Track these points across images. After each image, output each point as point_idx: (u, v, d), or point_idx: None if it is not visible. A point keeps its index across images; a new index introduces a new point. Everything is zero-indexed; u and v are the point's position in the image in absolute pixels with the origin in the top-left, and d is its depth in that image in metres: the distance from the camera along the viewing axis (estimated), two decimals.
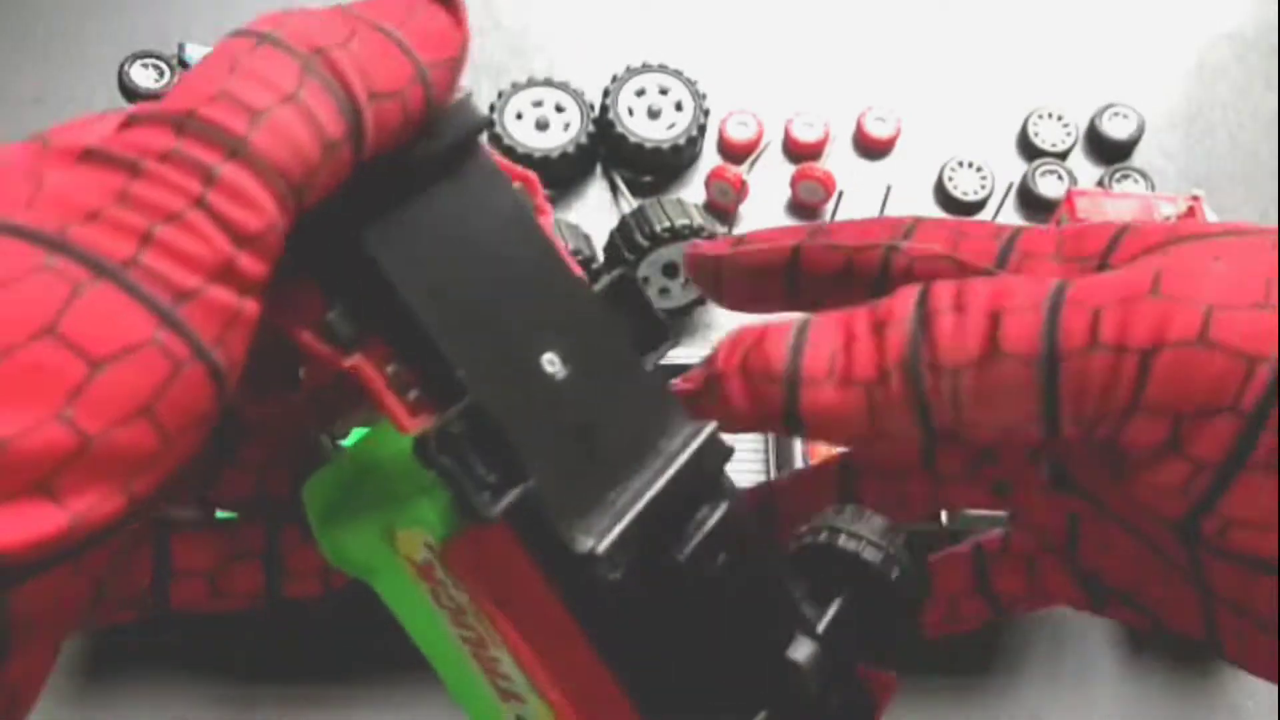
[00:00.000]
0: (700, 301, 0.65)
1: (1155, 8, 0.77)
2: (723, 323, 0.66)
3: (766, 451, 0.55)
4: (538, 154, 0.67)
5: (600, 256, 0.63)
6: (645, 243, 0.60)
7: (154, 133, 0.17)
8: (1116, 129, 0.72)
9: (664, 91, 0.69)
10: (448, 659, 0.22)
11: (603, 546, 0.18)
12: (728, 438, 0.21)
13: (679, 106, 0.69)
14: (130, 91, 0.61)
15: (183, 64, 0.63)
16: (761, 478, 0.54)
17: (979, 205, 0.70)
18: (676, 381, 0.22)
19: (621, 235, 0.63)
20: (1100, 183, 0.70)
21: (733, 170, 0.68)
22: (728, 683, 0.21)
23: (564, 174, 0.69)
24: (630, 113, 0.68)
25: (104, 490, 0.16)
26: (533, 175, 0.22)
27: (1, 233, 0.16)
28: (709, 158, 0.71)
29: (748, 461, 0.55)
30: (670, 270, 0.62)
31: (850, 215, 0.67)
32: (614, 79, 0.69)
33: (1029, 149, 0.72)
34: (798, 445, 0.53)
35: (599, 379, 0.20)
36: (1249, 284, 0.18)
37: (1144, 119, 0.72)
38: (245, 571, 0.24)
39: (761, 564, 0.21)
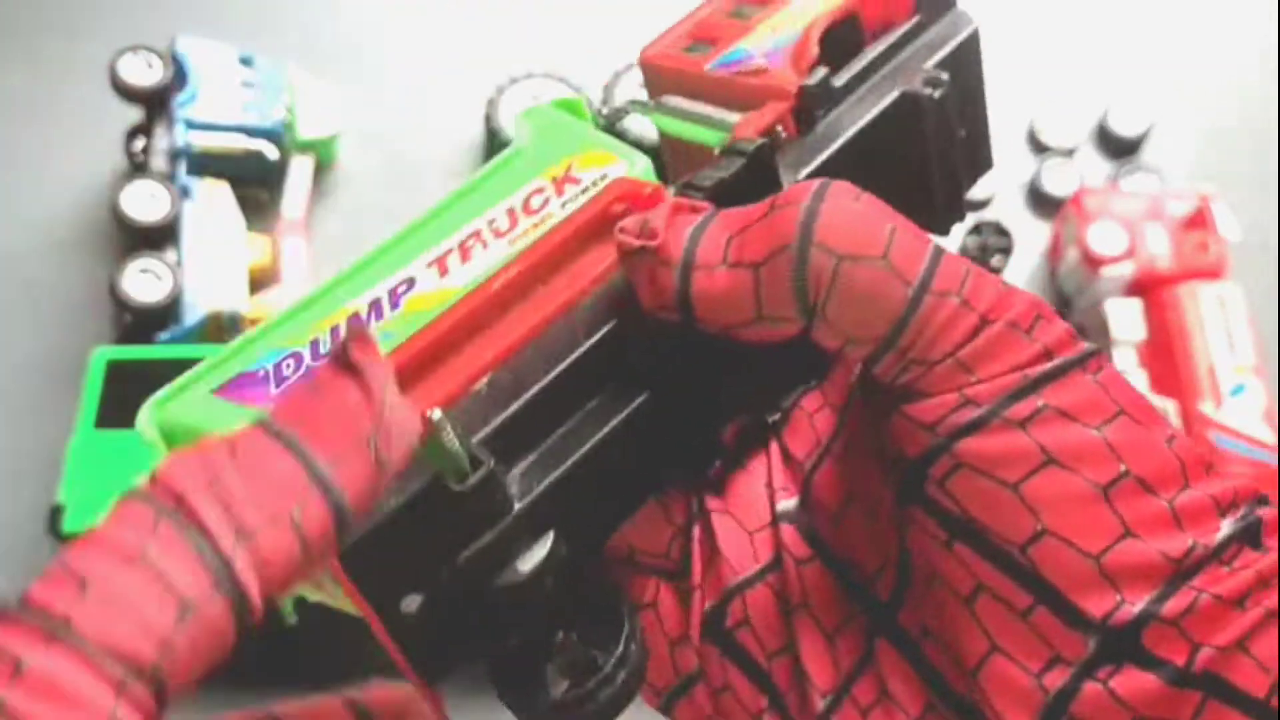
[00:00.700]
0: None
1: (1164, 3, 0.76)
2: None
3: None
4: None
5: None
6: None
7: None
8: (1125, 125, 0.71)
9: None
10: None
11: None
12: None
13: None
14: (121, 86, 0.59)
15: (174, 58, 0.61)
16: None
17: (985, 202, 0.69)
18: (619, 232, 0.24)
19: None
20: (1109, 179, 0.69)
21: None
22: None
23: None
24: None
25: None
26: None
27: None
28: None
29: None
30: None
31: None
32: (614, 73, 0.68)
33: (1037, 145, 0.71)
34: None
35: None
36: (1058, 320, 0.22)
37: (1153, 115, 0.71)
38: None
39: None
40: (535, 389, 0.23)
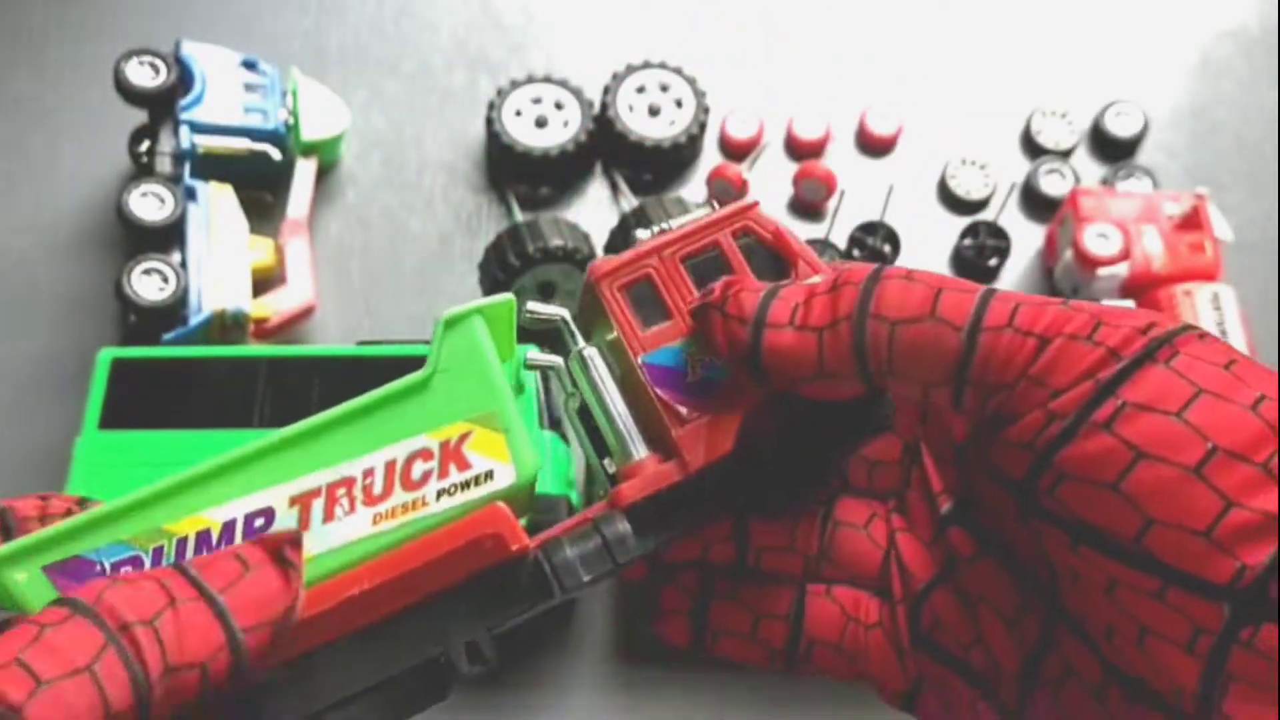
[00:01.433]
0: None
1: (1159, 5, 0.77)
2: None
3: None
4: (537, 151, 0.66)
5: (600, 255, 0.63)
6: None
7: None
8: (1120, 127, 0.71)
9: (664, 89, 0.68)
10: None
11: None
12: None
13: (679, 104, 0.68)
14: (126, 89, 0.60)
15: (179, 61, 0.62)
16: None
17: (982, 204, 0.70)
18: (695, 300, 0.27)
19: (621, 234, 0.62)
20: (1104, 181, 0.70)
21: (734, 168, 0.68)
22: None
23: (563, 172, 0.68)
24: (630, 110, 0.68)
25: None
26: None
27: None
28: (710, 156, 0.70)
29: None
30: None
31: (852, 214, 0.67)
32: (614, 76, 0.68)
33: (1032, 147, 0.71)
34: None
35: None
36: (1136, 315, 0.24)
37: (1148, 117, 0.72)
38: None
39: None
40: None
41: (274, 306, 0.62)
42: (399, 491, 0.26)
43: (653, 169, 0.69)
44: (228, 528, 0.25)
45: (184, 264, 0.58)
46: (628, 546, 0.27)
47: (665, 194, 0.67)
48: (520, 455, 0.27)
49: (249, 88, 0.64)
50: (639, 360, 0.27)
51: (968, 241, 0.68)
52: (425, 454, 0.26)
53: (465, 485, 0.26)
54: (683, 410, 0.27)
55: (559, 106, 0.68)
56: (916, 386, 0.25)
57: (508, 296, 0.28)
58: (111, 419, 0.53)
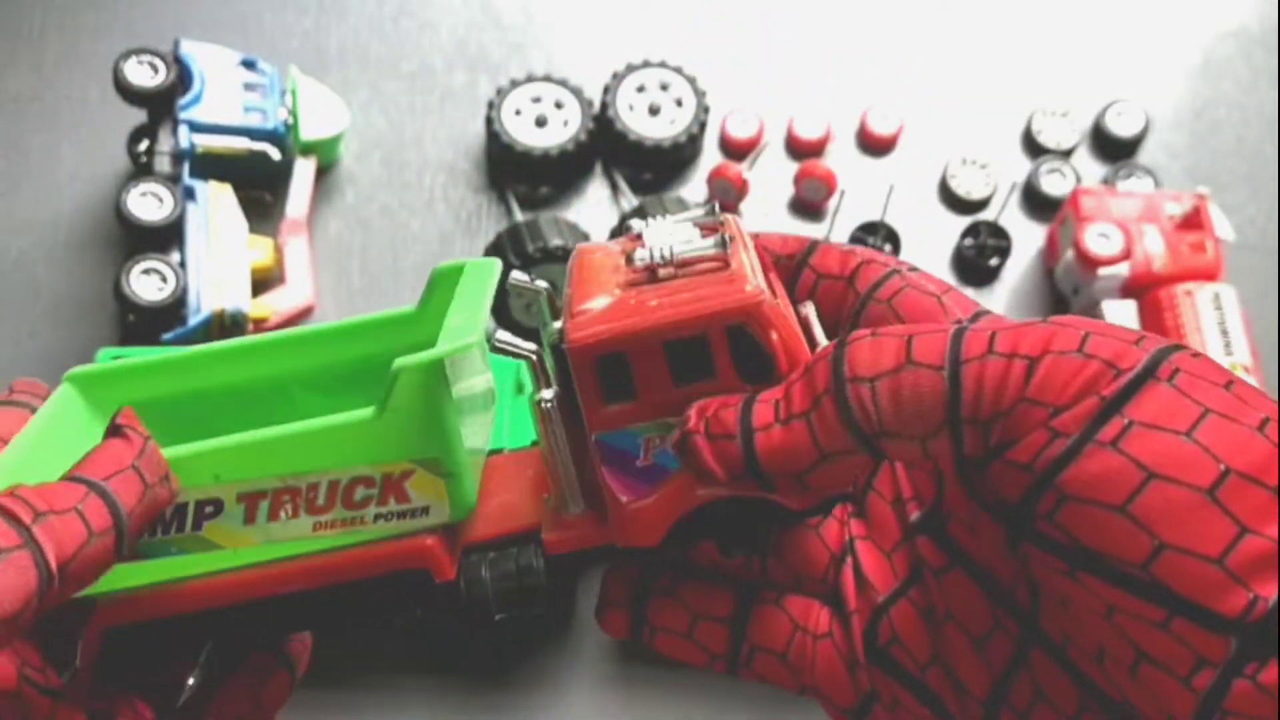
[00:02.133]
0: None
1: (1160, 5, 0.77)
2: None
3: None
4: (536, 151, 0.66)
5: None
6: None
7: None
8: (1121, 127, 0.71)
9: (665, 88, 0.68)
10: None
11: None
12: None
13: (680, 103, 0.68)
14: (125, 88, 0.60)
15: (178, 60, 0.62)
16: None
17: (982, 204, 0.69)
18: (667, 444, 0.26)
19: (621, 234, 0.62)
20: (1105, 181, 0.69)
21: (734, 168, 0.67)
22: None
23: (563, 172, 0.68)
24: (630, 109, 0.68)
25: None
26: None
27: None
28: (710, 155, 0.70)
29: None
30: None
31: (853, 213, 0.67)
32: (614, 75, 0.68)
33: (1033, 147, 0.71)
34: None
35: None
36: (1118, 328, 0.23)
37: (1149, 116, 0.71)
38: None
39: None
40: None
41: (273, 306, 0.62)
42: (339, 508, 0.27)
43: (653, 168, 0.69)
44: (179, 510, 0.27)
45: (183, 264, 0.58)
46: (535, 574, 0.29)
47: (665, 193, 0.67)
48: (457, 499, 0.28)
49: (248, 87, 0.64)
50: (593, 437, 0.27)
51: (968, 241, 0.67)
52: (368, 481, 0.27)
53: (401, 515, 0.28)
54: (622, 497, 0.27)
55: (559, 106, 0.68)
56: (914, 443, 0.24)
57: (493, 260, 0.30)
58: None
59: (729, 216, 0.29)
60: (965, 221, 0.68)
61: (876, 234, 0.66)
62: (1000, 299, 0.68)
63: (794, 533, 0.30)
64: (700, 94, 0.68)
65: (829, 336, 0.27)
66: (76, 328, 0.63)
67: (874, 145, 0.71)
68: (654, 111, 0.68)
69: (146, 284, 0.57)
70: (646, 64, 0.68)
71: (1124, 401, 0.21)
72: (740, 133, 0.70)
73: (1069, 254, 0.64)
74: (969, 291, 0.63)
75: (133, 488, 0.25)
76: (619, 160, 0.69)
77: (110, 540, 0.24)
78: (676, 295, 0.26)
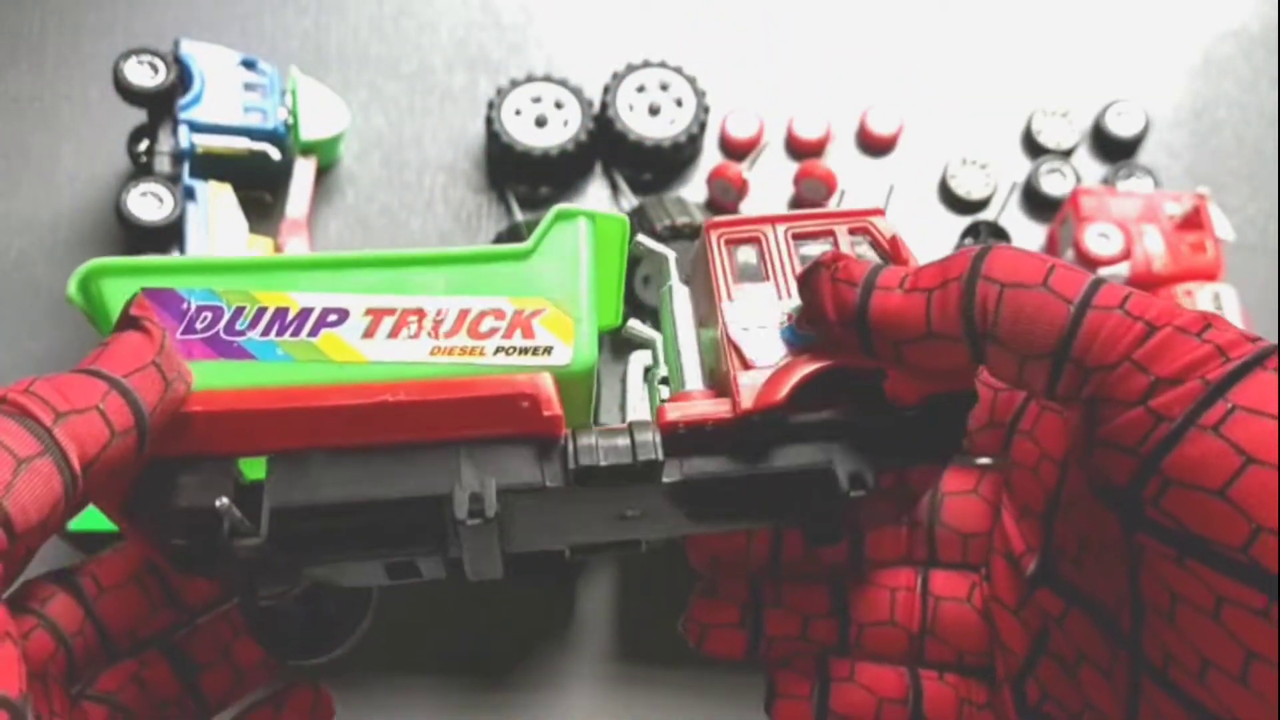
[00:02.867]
0: None
1: (1160, 5, 0.77)
2: None
3: None
4: (536, 151, 0.66)
5: None
6: None
7: None
8: (1121, 126, 0.71)
9: (664, 88, 0.68)
10: None
11: None
12: None
13: (679, 103, 0.68)
14: (125, 88, 0.60)
15: (178, 60, 0.62)
16: None
17: (982, 204, 0.69)
18: (813, 259, 0.28)
19: None
20: (1105, 181, 0.69)
21: (734, 168, 0.67)
22: None
23: (563, 171, 0.68)
24: (630, 109, 0.68)
25: None
26: None
27: None
28: (710, 155, 0.70)
29: None
30: None
31: None
32: (614, 75, 0.68)
33: (1033, 147, 0.71)
34: None
35: None
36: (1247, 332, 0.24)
37: (1149, 116, 0.71)
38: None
39: None
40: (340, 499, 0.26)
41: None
42: (463, 335, 0.27)
43: (653, 168, 0.69)
44: (304, 312, 0.27)
45: None
46: (649, 448, 0.27)
47: (665, 194, 0.67)
48: (582, 343, 0.28)
49: (248, 87, 0.64)
50: (721, 304, 0.28)
51: (968, 241, 0.67)
52: (498, 313, 0.28)
53: (523, 351, 0.28)
54: (749, 355, 0.28)
55: (559, 106, 0.68)
56: (1015, 359, 0.24)
57: (621, 216, 0.31)
58: None
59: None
60: (965, 221, 0.69)
61: None
62: None
63: (948, 608, 0.30)
64: (700, 94, 0.68)
65: None
66: (77, 328, 0.63)
67: (874, 145, 0.71)
68: (654, 111, 0.68)
69: None
70: (646, 64, 0.68)
71: (1229, 386, 0.22)
72: (740, 133, 0.70)
73: (1069, 254, 0.64)
74: None
75: (154, 385, 0.24)
76: (619, 160, 0.69)
77: (132, 440, 0.24)
78: (807, 215, 0.30)
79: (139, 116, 0.63)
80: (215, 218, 0.61)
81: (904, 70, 0.74)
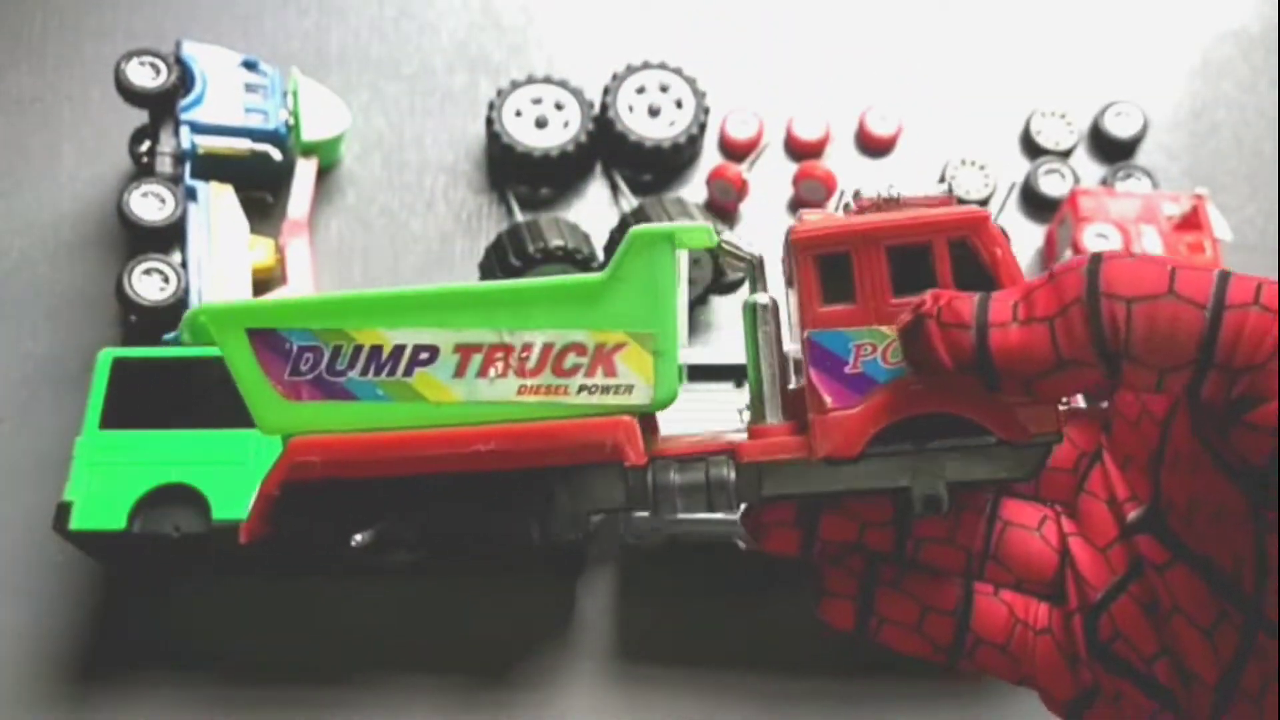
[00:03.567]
0: (702, 300, 0.65)
1: (1159, 5, 0.77)
2: (722, 321, 0.65)
3: None
4: (537, 152, 0.66)
5: (600, 256, 0.63)
6: None
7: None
8: (1120, 127, 0.71)
9: (664, 89, 0.68)
10: None
11: None
12: None
13: (679, 104, 0.68)
14: (127, 89, 0.60)
15: (179, 61, 0.62)
16: None
17: (981, 204, 0.70)
18: (902, 316, 0.26)
19: (621, 234, 0.62)
20: (1103, 181, 0.70)
21: (733, 169, 0.68)
22: None
23: (563, 172, 0.68)
24: (630, 110, 0.68)
25: None
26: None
27: None
28: (709, 156, 0.71)
29: None
30: None
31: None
32: (614, 76, 0.68)
33: (1032, 147, 0.71)
34: None
35: None
36: None
37: (1148, 117, 0.72)
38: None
39: None
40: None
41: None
42: (548, 374, 0.28)
43: (653, 169, 0.69)
44: (397, 350, 0.28)
45: (184, 264, 0.58)
46: (727, 494, 0.28)
47: (665, 194, 0.67)
48: (663, 381, 0.28)
49: (250, 88, 0.64)
50: (806, 334, 0.27)
51: None
52: (580, 349, 0.28)
53: (605, 390, 0.28)
54: (828, 399, 0.27)
55: (559, 107, 0.68)
56: (1153, 372, 0.24)
57: (705, 225, 0.29)
58: (112, 419, 0.54)
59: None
60: None
61: None
62: None
63: (1015, 534, 0.30)
64: (700, 95, 0.68)
65: None
66: (78, 328, 0.64)
67: (873, 146, 0.71)
68: (654, 112, 0.68)
69: (148, 284, 0.57)
70: (646, 65, 0.69)
71: None
72: (740, 133, 0.70)
73: (1068, 254, 0.65)
74: None
75: None
76: (619, 161, 0.69)
77: None
78: (904, 211, 0.27)
79: (140, 117, 0.63)
80: (217, 218, 0.61)
81: (903, 71, 0.74)
